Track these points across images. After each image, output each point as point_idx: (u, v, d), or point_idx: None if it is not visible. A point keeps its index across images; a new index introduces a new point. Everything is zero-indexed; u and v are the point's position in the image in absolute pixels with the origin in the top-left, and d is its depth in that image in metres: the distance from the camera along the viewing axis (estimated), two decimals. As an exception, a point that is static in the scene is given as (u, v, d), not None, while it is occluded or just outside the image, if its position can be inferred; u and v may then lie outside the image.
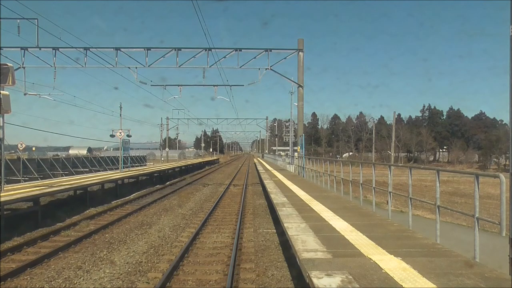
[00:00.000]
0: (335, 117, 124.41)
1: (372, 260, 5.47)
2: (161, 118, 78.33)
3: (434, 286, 4.42)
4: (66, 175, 28.75)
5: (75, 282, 7.58)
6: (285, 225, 8.31)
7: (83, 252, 9.80)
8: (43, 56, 22.98)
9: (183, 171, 42.78)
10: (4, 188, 14.32)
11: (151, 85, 28.90)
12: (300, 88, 24.72)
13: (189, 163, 53.92)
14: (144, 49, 23.37)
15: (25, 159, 28.68)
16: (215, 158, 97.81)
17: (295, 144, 36.81)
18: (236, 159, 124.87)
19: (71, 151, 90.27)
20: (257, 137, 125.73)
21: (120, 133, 27.94)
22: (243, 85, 27.94)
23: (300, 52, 24.06)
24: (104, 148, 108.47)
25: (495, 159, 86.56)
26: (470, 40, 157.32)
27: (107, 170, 36.08)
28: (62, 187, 15.88)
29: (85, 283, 7.53)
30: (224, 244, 10.64)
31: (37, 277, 7.87)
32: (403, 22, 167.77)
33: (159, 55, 23.30)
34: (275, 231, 12.11)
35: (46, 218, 13.65)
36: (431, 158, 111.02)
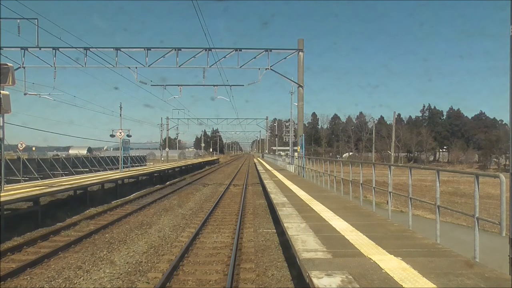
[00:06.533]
0: (335, 117, 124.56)
1: (372, 260, 5.47)
2: (161, 118, 78.48)
3: (434, 286, 4.41)
4: (66, 175, 28.75)
5: (75, 282, 7.58)
6: (285, 225, 8.30)
7: (83, 252, 9.81)
8: (43, 56, 23.03)
9: (183, 171, 42.78)
10: (4, 188, 14.31)
11: (151, 85, 28.94)
12: (300, 88, 24.72)
13: (189, 163, 53.90)
14: (144, 49, 23.37)
15: (25, 159, 28.67)
16: (215, 158, 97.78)
17: (295, 144, 36.77)
18: (236, 159, 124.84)
19: (71, 151, 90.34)
20: (257, 137, 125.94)
21: (120, 133, 27.93)
22: (243, 85, 28.03)
23: (300, 52, 24.05)
24: (104, 148, 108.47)
25: (495, 159, 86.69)
26: (470, 40, 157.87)
27: (107, 170, 36.09)
28: (62, 187, 15.88)
29: (85, 283, 7.53)
30: (224, 244, 10.64)
31: (37, 277, 7.86)
32: (403, 22, 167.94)
33: (159, 55, 23.34)
34: (275, 231, 12.11)
35: (46, 218, 13.65)
36: (431, 158, 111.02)
